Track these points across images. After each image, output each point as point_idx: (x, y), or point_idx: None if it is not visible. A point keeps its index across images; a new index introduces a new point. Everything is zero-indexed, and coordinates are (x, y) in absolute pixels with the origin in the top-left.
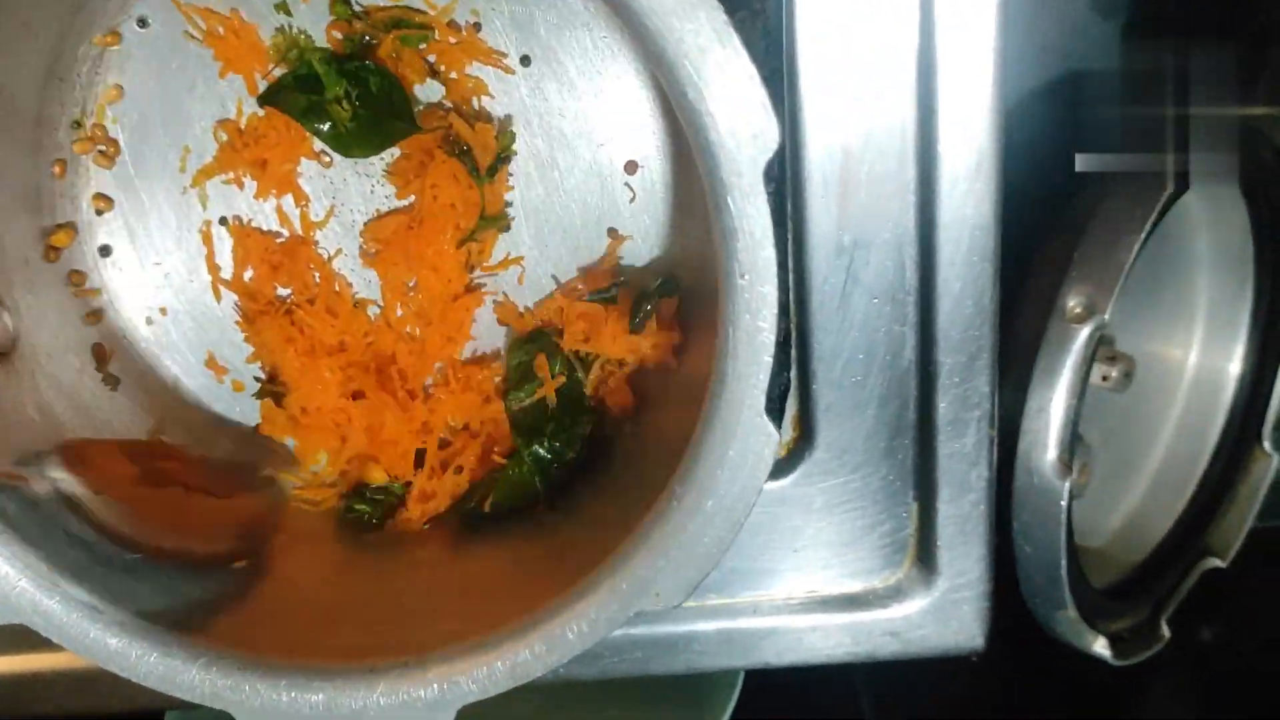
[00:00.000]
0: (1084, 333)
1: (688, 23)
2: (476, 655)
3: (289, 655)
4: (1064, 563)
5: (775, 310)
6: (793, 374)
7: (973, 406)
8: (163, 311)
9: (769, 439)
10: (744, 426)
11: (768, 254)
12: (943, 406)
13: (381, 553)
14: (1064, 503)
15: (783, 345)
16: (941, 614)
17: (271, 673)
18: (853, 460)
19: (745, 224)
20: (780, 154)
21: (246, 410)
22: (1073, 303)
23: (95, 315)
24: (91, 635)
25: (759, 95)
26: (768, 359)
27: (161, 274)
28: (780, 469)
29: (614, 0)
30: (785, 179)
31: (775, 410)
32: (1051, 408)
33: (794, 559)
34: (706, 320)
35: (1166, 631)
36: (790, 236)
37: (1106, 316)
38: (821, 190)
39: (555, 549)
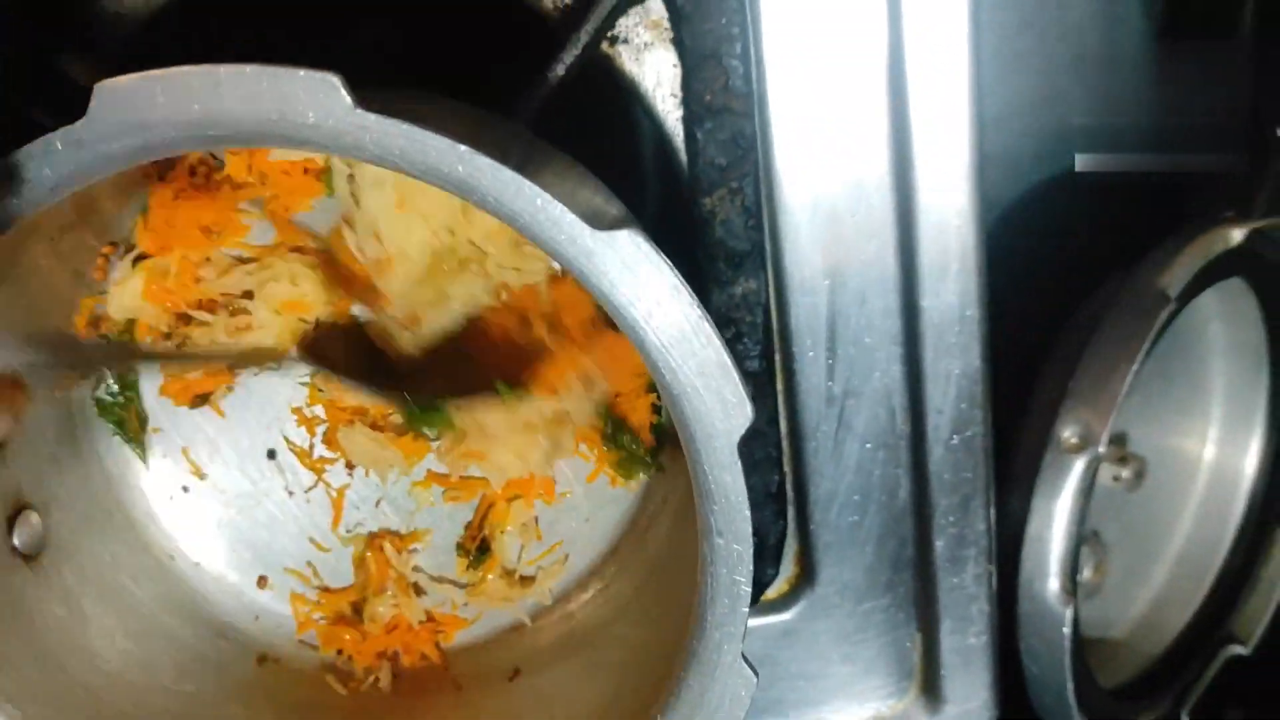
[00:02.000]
0: (1080, 463)
1: (663, 317)
2: None
3: None
4: (1070, 685)
5: (751, 566)
6: (790, 516)
7: (969, 544)
8: None
9: (747, 682)
10: (722, 670)
11: (743, 515)
12: (940, 545)
13: None
14: (1067, 630)
15: (777, 495)
16: None
17: None
18: (854, 595)
19: (721, 490)
20: (766, 316)
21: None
22: (1068, 433)
23: None
24: None
25: (731, 379)
26: (744, 609)
27: None
28: (783, 603)
29: (600, 296)
30: (773, 337)
31: (773, 556)
32: (1051, 536)
33: (803, 689)
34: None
35: None
36: (781, 387)
37: (1102, 449)
38: (810, 345)
39: None
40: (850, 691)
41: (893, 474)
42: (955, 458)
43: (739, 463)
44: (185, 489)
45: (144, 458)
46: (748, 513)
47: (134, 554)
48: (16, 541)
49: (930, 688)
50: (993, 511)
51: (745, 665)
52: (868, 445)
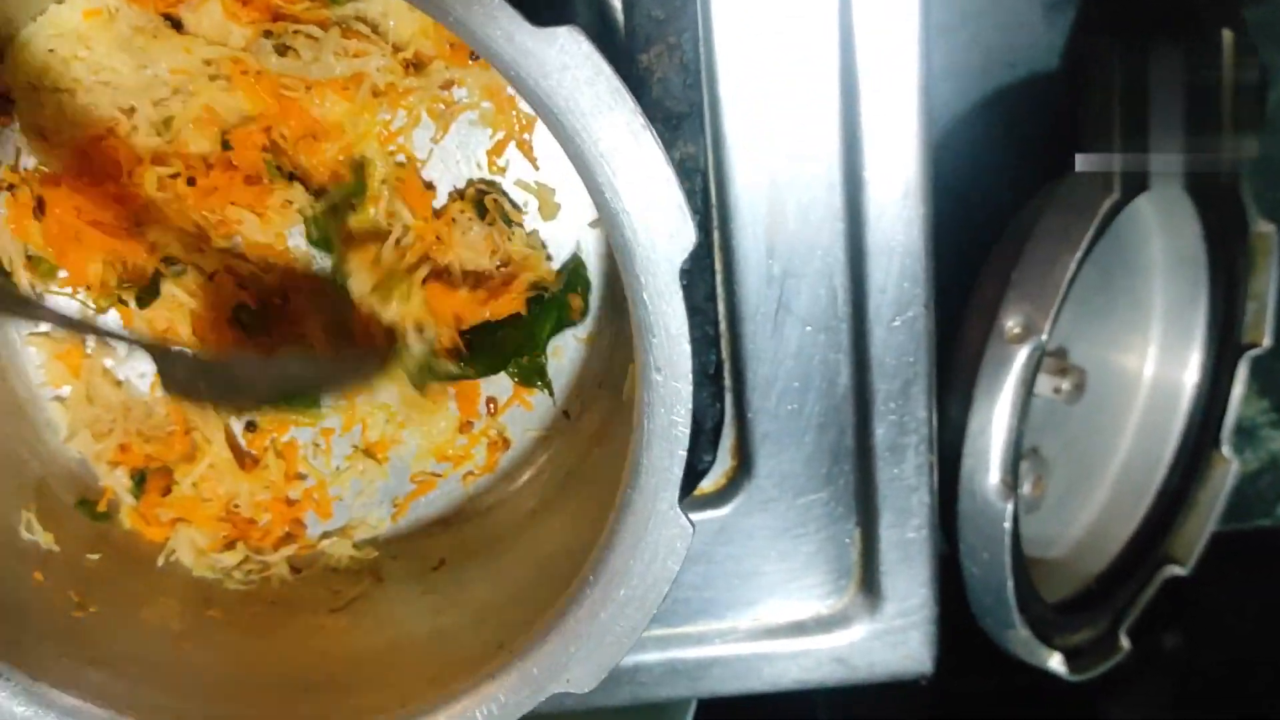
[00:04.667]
0: (1023, 353)
1: (603, 123)
2: None
3: None
4: (1010, 583)
5: (690, 406)
6: (728, 404)
7: (910, 432)
8: None
9: (682, 531)
10: (657, 519)
11: (683, 349)
12: (880, 433)
13: (278, 620)
14: (1008, 524)
15: (714, 376)
16: (889, 639)
17: None
18: (793, 487)
19: (660, 321)
20: (705, 184)
21: None
22: (1011, 323)
23: None
24: None
25: (675, 197)
26: (682, 453)
27: None
28: (720, 498)
29: (535, 101)
30: (711, 210)
31: (710, 441)
32: (992, 429)
33: (738, 587)
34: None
35: (1126, 642)
36: (720, 267)
37: (1044, 336)
38: (750, 220)
39: (474, 619)
40: (788, 590)
41: (833, 358)
42: (897, 340)
43: (680, 292)
44: None
45: None
46: (687, 347)
47: None
48: None
49: (869, 585)
50: (934, 399)
51: (681, 515)
52: (808, 328)
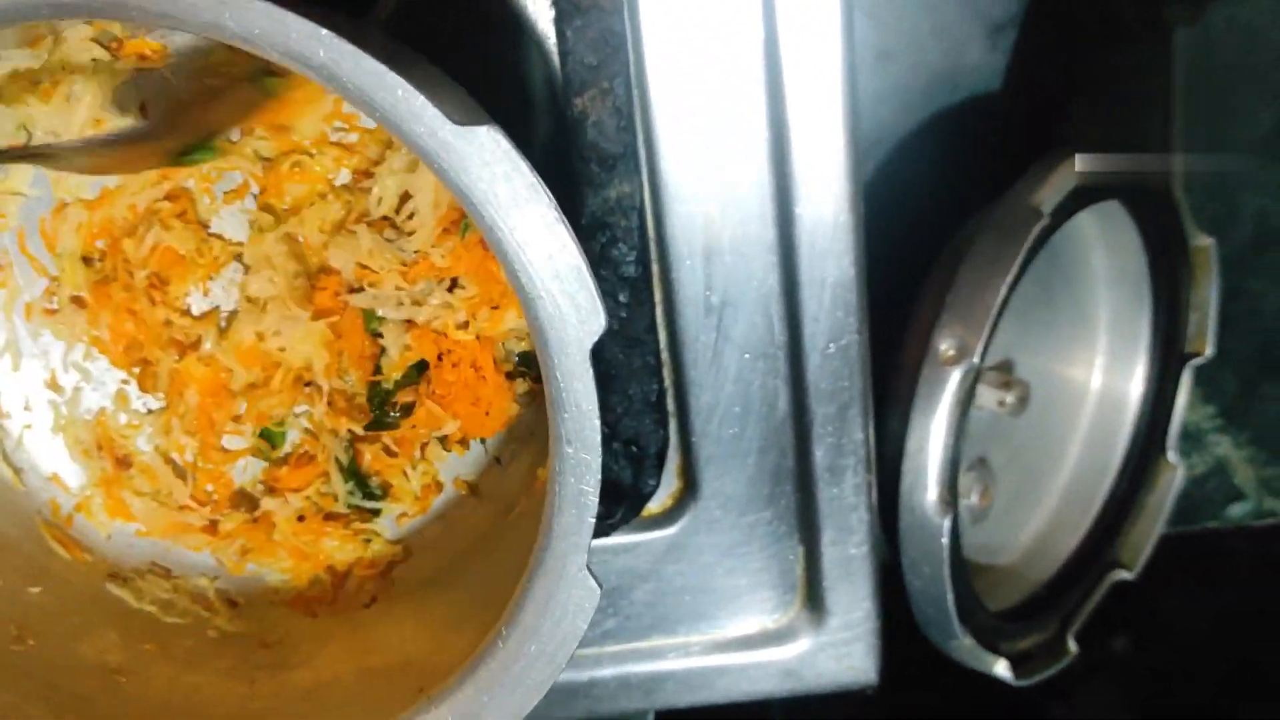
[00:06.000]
0: (956, 374)
1: (520, 216)
2: None
3: None
4: (950, 595)
5: (599, 476)
6: (672, 429)
7: (848, 454)
8: None
9: (590, 593)
10: (567, 580)
11: (593, 424)
12: (819, 454)
13: (211, 654)
14: (945, 540)
15: (657, 404)
16: (835, 651)
17: None
18: (736, 508)
19: (572, 398)
20: (641, 220)
21: None
22: (945, 345)
23: None
24: None
25: (587, 284)
26: (591, 519)
27: None
28: (667, 518)
29: (457, 192)
30: (650, 244)
31: (655, 466)
32: (929, 448)
33: (688, 603)
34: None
35: (1073, 646)
36: (660, 296)
37: (976, 360)
38: (687, 253)
39: (400, 662)
40: (736, 605)
41: (772, 384)
42: (832, 366)
43: (591, 370)
44: None
45: None
46: (597, 422)
47: None
48: None
49: (814, 600)
50: (871, 421)
51: (590, 576)
52: (746, 355)
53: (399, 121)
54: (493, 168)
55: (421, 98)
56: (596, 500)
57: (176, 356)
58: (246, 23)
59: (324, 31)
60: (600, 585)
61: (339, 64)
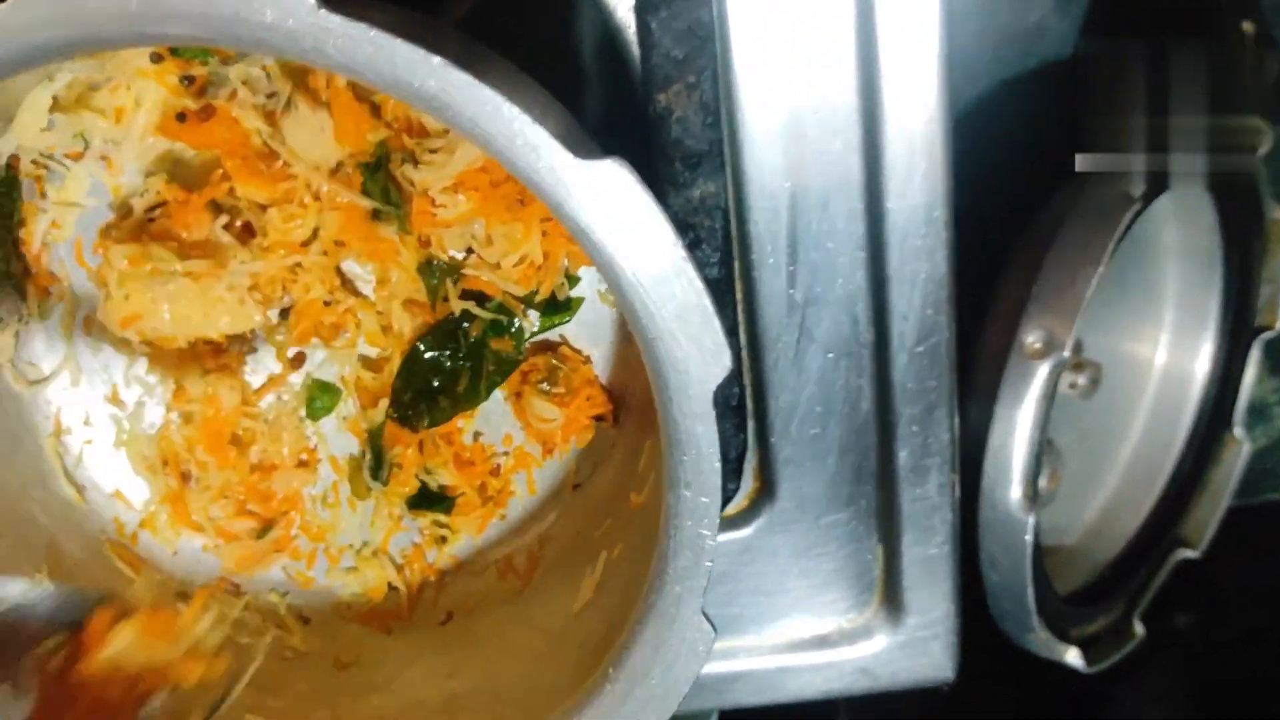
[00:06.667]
0: (1044, 369)
1: (644, 254)
2: None
3: None
4: (1030, 590)
5: (718, 519)
6: (750, 431)
7: (933, 454)
8: None
9: (704, 636)
10: (681, 623)
11: (714, 467)
12: (903, 455)
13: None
14: (1029, 537)
15: (737, 408)
16: (911, 650)
17: None
18: (815, 509)
19: (693, 441)
20: (725, 215)
21: None
22: (1032, 339)
23: None
24: None
25: (713, 325)
26: (708, 564)
27: None
28: (743, 519)
29: (575, 230)
30: (731, 240)
31: (734, 470)
32: (1014, 444)
33: (762, 604)
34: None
35: (1140, 629)
36: (740, 296)
37: (1066, 353)
38: (770, 250)
39: (489, 690)
40: (810, 605)
41: (855, 384)
42: (919, 366)
43: (713, 412)
44: None
45: None
46: (718, 465)
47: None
48: None
49: (892, 600)
50: (956, 420)
51: (704, 620)
52: (830, 354)
53: (515, 156)
54: (616, 203)
55: (540, 130)
56: (715, 543)
57: None
58: (351, 52)
59: (435, 60)
60: (715, 629)
61: (450, 94)
